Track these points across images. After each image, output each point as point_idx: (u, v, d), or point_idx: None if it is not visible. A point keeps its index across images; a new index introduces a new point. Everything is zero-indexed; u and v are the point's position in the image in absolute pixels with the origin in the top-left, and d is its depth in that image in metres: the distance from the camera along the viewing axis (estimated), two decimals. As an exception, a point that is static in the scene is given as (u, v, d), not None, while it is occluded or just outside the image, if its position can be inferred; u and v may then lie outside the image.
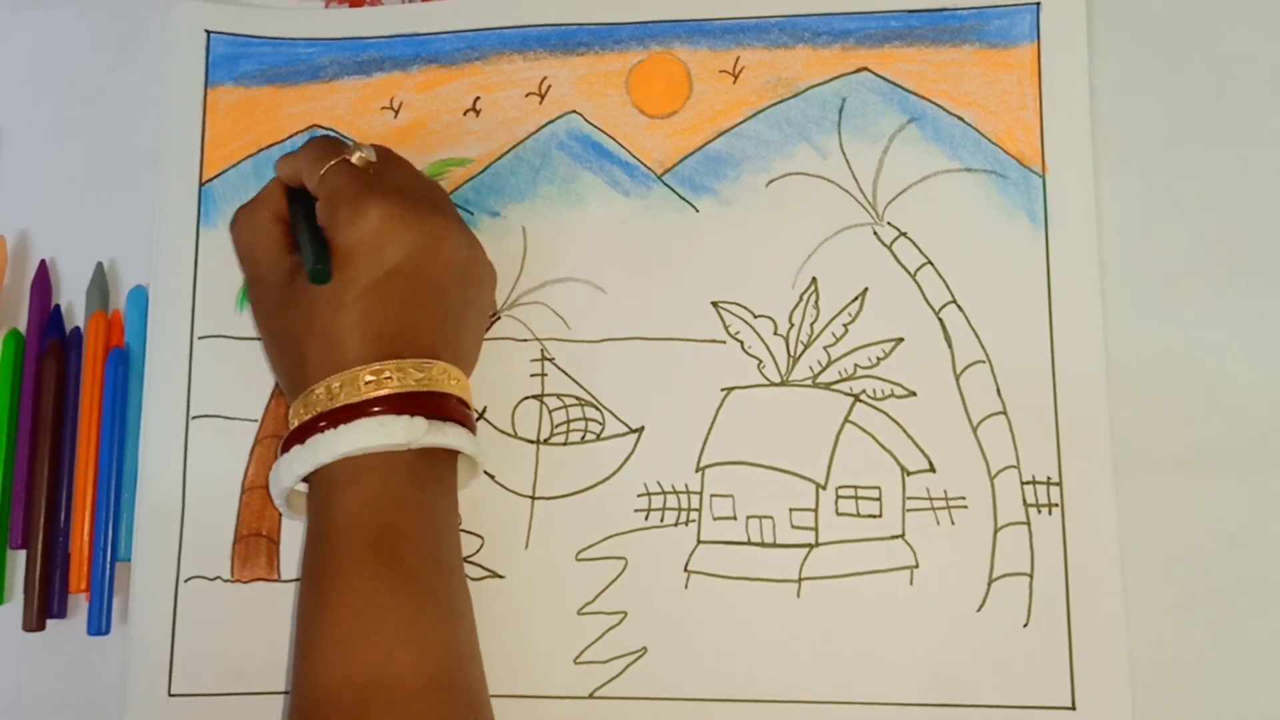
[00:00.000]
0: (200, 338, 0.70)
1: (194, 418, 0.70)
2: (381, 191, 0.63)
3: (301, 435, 0.61)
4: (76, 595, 0.69)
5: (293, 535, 0.69)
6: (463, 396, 0.63)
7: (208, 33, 0.74)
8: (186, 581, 0.68)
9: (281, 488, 0.62)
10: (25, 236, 0.73)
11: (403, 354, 0.61)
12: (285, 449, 0.61)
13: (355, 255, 0.61)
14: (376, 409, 0.59)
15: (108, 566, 0.68)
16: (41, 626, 0.67)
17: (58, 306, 0.71)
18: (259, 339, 0.69)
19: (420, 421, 0.60)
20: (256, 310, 0.67)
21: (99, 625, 0.67)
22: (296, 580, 0.68)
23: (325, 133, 0.73)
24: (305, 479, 0.61)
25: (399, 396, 0.60)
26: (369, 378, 0.60)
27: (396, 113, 0.73)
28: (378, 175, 0.64)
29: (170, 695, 0.67)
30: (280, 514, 0.69)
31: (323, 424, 0.60)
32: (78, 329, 0.71)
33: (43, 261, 0.72)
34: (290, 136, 0.73)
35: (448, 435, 0.61)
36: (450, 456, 0.63)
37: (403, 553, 0.59)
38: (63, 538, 0.69)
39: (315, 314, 0.61)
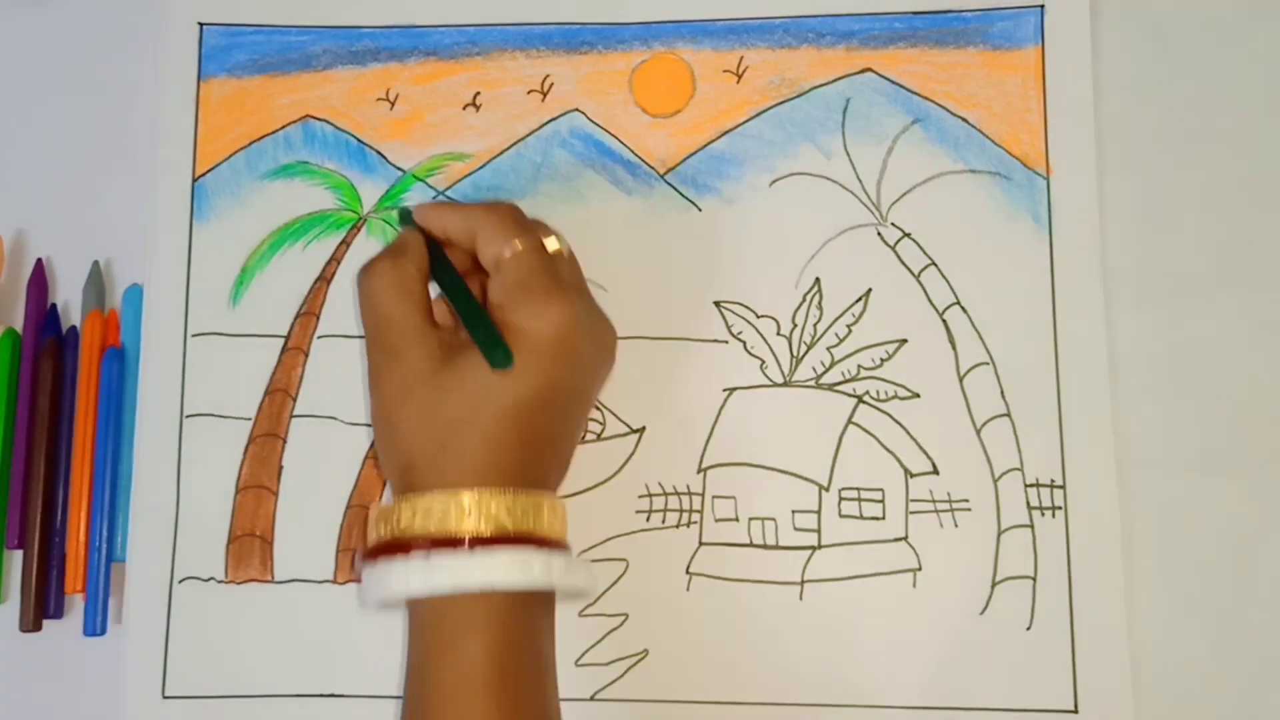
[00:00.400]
0: (194, 335, 0.70)
1: (188, 416, 0.69)
2: (568, 290, 0.59)
3: (428, 545, 0.55)
4: (72, 596, 0.68)
5: (287, 535, 0.68)
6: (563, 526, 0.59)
7: (200, 25, 0.73)
8: (181, 582, 0.68)
9: (386, 595, 0.56)
10: (22, 235, 0.72)
11: (545, 475, 0.58)
12: (400, 551, 0.56)
13: (537, 354, 0.57)
14: (536, 543, 0.56)
15: (103, 567, 0.67)
16: (38, 627, 0.67)
17: (54, 305, 0.71)
18: (255, 335, 0.69)
19: (558, 560, 0.56)
20: (386, 382, 0.60)
21: (95, 626, 0.67)
22: (290, 581, 0.68)
23: (320, 123, 0.72)
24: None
25: (548, 539, 0.57)
26: (521, 504, 0.56)
27: (393, 104, 0.72)
28: (561, 269, 0.60)
29: (165, 697, 0.67)
30: (274, 514, 0.68)
31: (470, 545, 0.55)
32: (74, 328, 0.70)
33: (39, 260, 0.71)
34: (282, 127, 0.72)
35: (578, 575, 0.57)
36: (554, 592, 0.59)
37: (521, 706, 0.55)
38: (59, 538, 0.68)
39: (479, 410, 0.56)
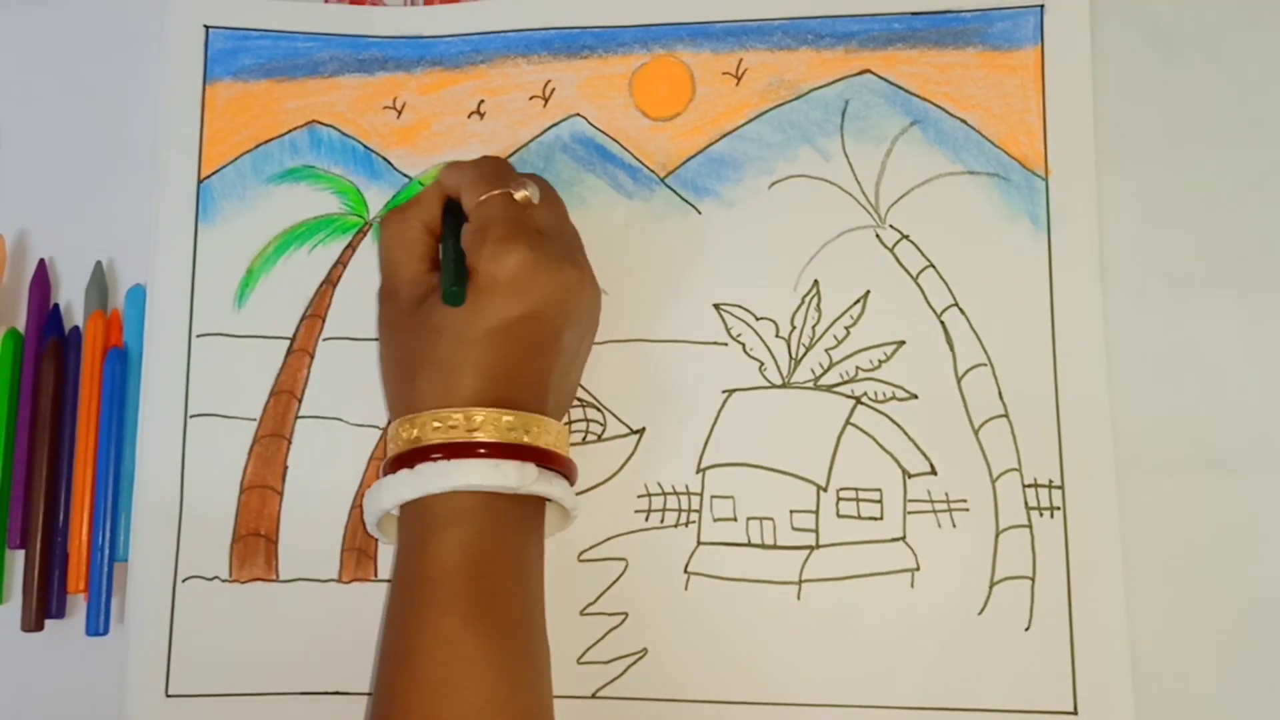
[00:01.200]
0: (199, 336, 0.70)
1: (192, 416, 0.69)
2: (530, 234, 0.62)
3: (410, 461, 0.60)
4: (75, 595, 0.68)
5: (291, 535, 0.69)
6: (562, 450, 0.63)
7: (206, 28, 0.73)
8: (184, 581, 0.68)
9: (379, 508, 0.62)
10: (24, 235, 0.73)
11: (513, 401, 0.61)
12: (389, 470, 0.61)
13: (492, 292, 0.61)
14: (483, 450, 0.59)
15: (106, 566, 0.68)
16: (40, 627, 0.67)
17: (56, 306, 0.71)
18: (261, 336, 0.70)
19: (531, 468, 0.60)
20: (382, 321, 0.66)
21: (97, 626, 0.67)
22: (294, 580, 0.68)
23: (327, 129, 0.72)
24: (403, 506, 0.62)
25: (508, 445, 0.60)
26: (479, 418, 0.60)
27: (399, 113, 0.73)
28: (531, 214, 0.64)
29: (168, 696, 0.67)
30: (278, 514, 0.68)
31: (435, 455, 0.60)
32: (77, 328, 0.71)
33: (42, 260, 0.72)
34: (288, 132, 0.73)
35: (553, 486, 0.61)
36: (541, 506, 0.63)
37: (496, 605, 0.59)
38: (61, 538, 0.68)
39: (438, 342, 0.61)
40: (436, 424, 0.60)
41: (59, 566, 0.68)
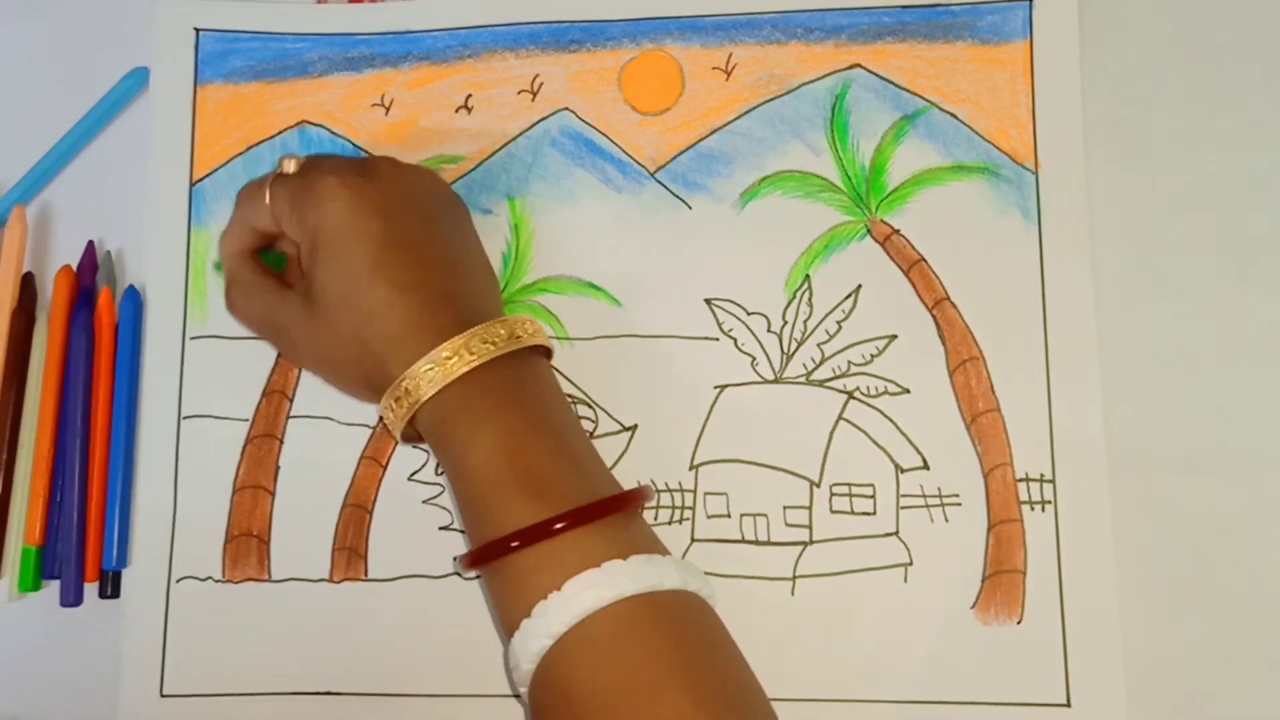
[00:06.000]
0: (192, 338, 0.70)
1: (185, 418, 0.70)
2: (324, 166, 0.64)
3: (487, 556, 0.58)
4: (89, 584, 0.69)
5: (283, 535, 0.69)
6: (537, 339, 0.62)
7: (196, 30, 0.73)
8: (178, 582, 0.68)
9: (528, 660, 0.58)
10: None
11: (481, 310, 0.62)
12: (477, 561, 0.59)
13: (347, 228, 0.61)
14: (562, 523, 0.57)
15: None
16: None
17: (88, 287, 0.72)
18: (252, 338, 0.70)
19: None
20: (295, 353, 0.67)
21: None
22: (287, 580, 0.68)
23: (317, 129, 0.72)
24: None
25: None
26: (447, 355, 0.59)
27: (388, 110, 0.73)
28: (307, 172, 0.65)
29: (162, 696, 0.67)
30: (270, 514, 0.69)
31: (514, 543, 0.57)
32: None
33: (90, 243, 0.72)
34: (279, 133, 0.73)
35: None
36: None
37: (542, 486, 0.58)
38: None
39: (355, 310, 0.61)
40: (428, 366, 0.59)
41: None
